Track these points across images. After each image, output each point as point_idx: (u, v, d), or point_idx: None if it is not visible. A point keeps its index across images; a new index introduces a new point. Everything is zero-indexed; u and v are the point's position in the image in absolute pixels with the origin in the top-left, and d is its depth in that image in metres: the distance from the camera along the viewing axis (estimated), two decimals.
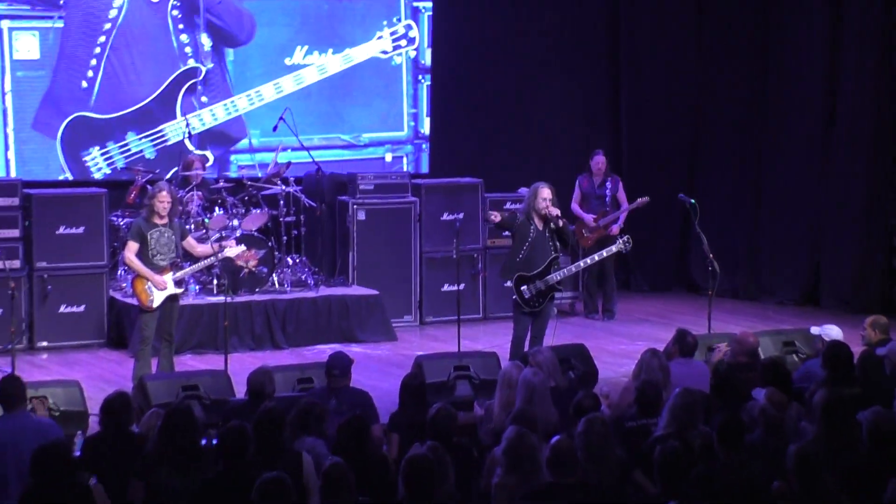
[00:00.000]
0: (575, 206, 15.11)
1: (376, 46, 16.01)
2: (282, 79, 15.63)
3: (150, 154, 15.13)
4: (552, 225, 11.68)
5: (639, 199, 15.13)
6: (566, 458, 7.17)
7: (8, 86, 14.60)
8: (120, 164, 14.94)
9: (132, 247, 11.58)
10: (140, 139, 15.12)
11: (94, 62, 14.85)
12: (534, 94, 16.92)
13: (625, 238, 12.31)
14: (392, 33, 16.05)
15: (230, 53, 15.56)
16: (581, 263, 12.56)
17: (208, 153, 15.39)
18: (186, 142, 15.11)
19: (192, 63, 15.28)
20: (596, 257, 12.50)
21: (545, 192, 11.67)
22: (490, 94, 16.74)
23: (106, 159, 15.01)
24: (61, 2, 14.67)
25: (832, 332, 11.04)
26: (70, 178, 14.86)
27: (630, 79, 17.35)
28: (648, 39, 17.27)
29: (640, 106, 17.31)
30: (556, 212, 11.65)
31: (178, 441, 7.75)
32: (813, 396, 8.35)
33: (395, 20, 16.08)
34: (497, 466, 7.52)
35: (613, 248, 12.34)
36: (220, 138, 15.56)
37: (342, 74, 15.91)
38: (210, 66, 15.34)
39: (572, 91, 17.16)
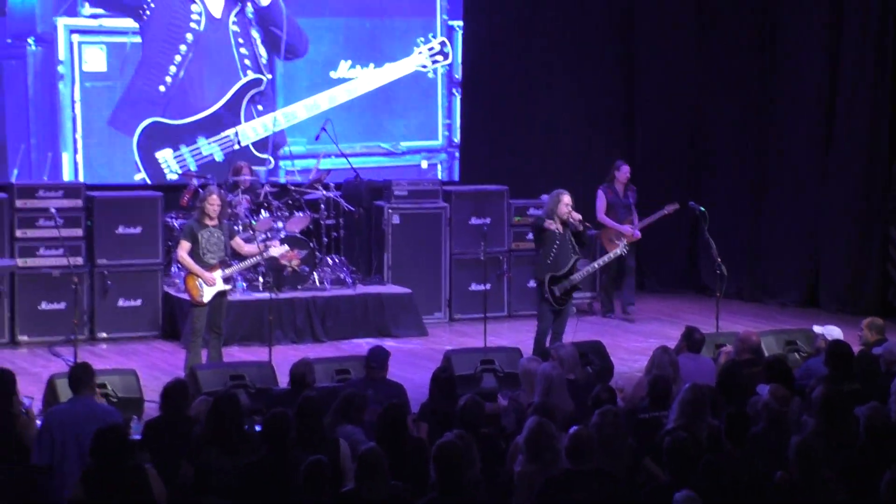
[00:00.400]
0: (604, 217, 14.79)
1: (415, 61, 16.02)
2: (333, 90, 15.65)
3: (219, 157, 15.19)
4: (571, 228, 11.77)
5: (667, 206, 15.00)
6: (584, 446, 7.15)
7: (77, 95, 14.67)
8: (192, 167, 15.01)
9: (185, 246, 11.64)
10: (210, 143, 15.19)
11: (173, 69, 14.94)
12: (551, 109, 16.76)
13: (623, 242, 12.86)
14: (429, 49, 16.05)
15: (280, 66, 15.60)
16: (595, 265, 12.66)
17: (269, 157, 15.46)
18: (251, 147, 15.20)
19: (251, 74, 15.34)
20: (605, 259, 12.64)
21: (567, 199, 11.82)
22: (514, 107, 16.66)
23: (178, 161, 15.09)
24: (145, 15, 14.75)
25: (834, 331, 11.03)
26: (146, 178, 14.93)
27: (637, 84, 17.07)
28: (648, 39, 16.97)
29: (641, 106, 17.06)
30: (578, 216, 11.79)
31: (226, 426, 7.78)
32: (813, 392, 8.32)
33: (430, 37, 16.08)
34: (519, 454, 7.52)
35: (618, 251, 12.52)
36: (267, 146, 15.60)
37: (383, 88, 15.93)
38: (269, 77, 15.40)
39: (586, 107, 16.92)
